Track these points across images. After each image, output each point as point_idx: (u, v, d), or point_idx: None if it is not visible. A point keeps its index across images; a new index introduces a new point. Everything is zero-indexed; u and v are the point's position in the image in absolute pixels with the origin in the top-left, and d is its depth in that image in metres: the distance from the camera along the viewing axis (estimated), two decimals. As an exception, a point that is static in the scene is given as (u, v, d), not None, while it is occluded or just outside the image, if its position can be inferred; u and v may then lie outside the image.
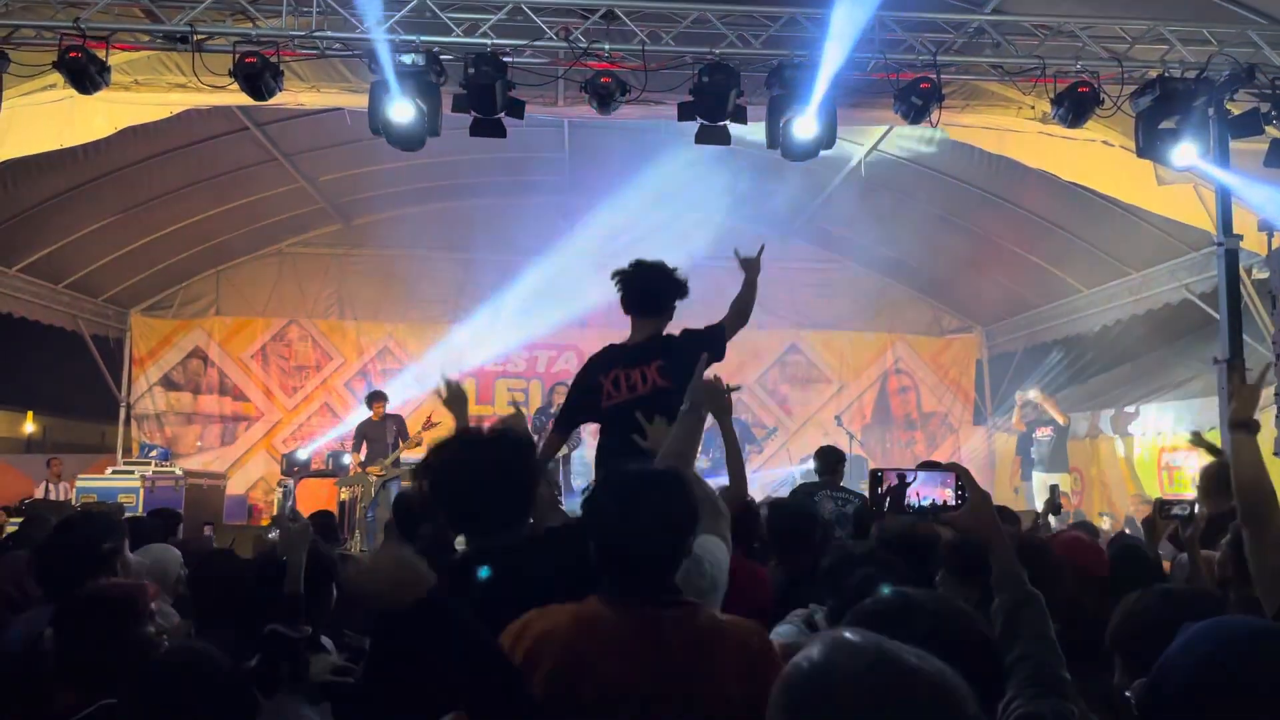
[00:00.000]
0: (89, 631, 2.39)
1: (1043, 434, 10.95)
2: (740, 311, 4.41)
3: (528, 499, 2.37)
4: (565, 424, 4.54)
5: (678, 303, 4.29)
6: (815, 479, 6.66)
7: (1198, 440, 4.52)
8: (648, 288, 4.25)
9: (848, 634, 1.12)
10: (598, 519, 2.03)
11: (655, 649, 1.91)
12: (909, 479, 2.20)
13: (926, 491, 2.17)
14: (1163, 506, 3.82)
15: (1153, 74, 7.29)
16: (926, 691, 1.05)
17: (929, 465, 4.39)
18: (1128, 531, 7.62)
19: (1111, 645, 2.20)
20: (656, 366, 4.06)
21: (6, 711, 2.52)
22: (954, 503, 2.12)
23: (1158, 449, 10.16)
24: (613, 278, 4.29)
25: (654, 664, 1.89)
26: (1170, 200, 8.43)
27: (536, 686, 1.86)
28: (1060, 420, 10.85)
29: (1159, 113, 7.25)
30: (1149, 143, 7.35)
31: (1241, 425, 2.79)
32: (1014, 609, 1.94)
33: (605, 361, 4.22)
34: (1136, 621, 2.14)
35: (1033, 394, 11.35)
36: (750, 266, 4.52)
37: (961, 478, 2.11)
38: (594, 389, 4.16)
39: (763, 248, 4.57)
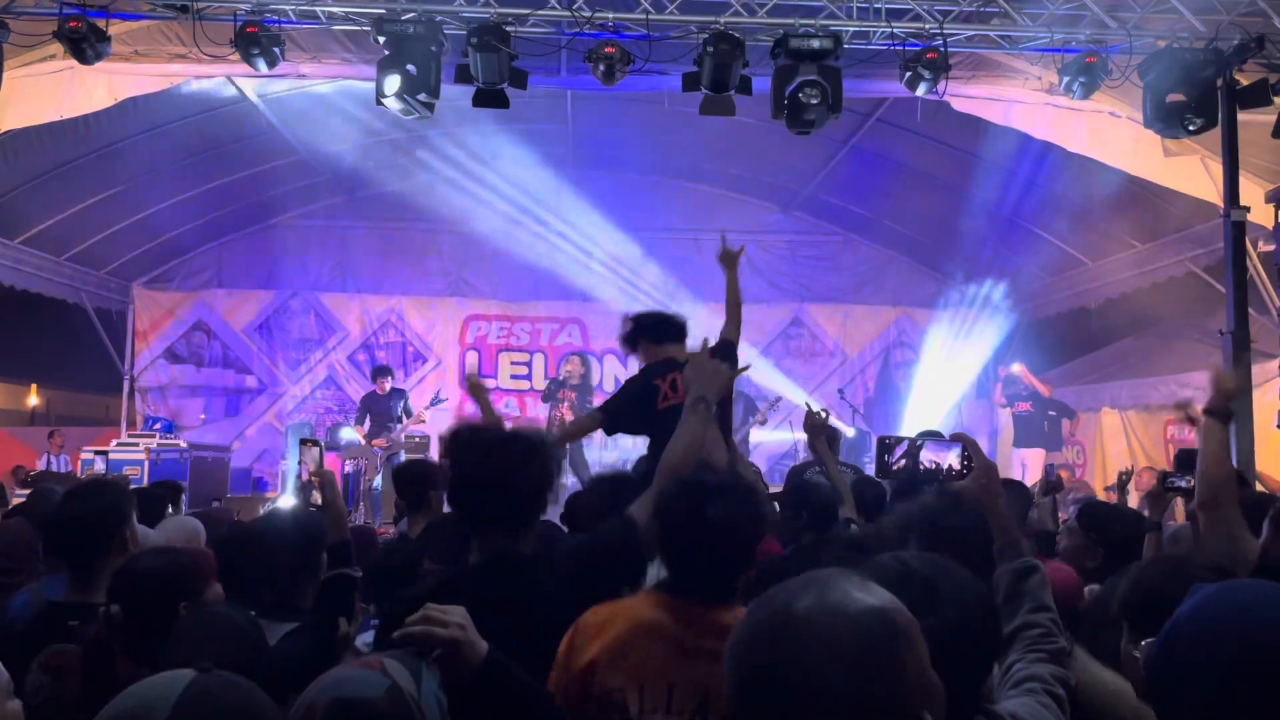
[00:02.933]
0: (149, 601, 2.39)
1: (1021, 409, 10.97)
2: (734, 316, 4.67)
3: (534, 506, 2.33)
4: (609, 416, 4.59)
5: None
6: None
7: (1181, 409, 4.52)
8: (671, 320, 4.58)
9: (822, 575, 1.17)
10: (669, 520, 2.18)
11: (668, 637, 2.04)
12: (919, 444, 2.24)
13: (934, 457, 2.22)
14: (1165, 479, 3.83)
15: (1161, 44, 7.23)
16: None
17: (930, 435, 4.41)
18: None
19: (1120, 612, 2.21)
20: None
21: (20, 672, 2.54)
22: (960, 470, 2.15)
23: (1162, 422, 10.17)
24: (628, 322, 4.58)
25: (681, 655, 2.02)
26: (1177, 172, 8.39)
27: (577, 673, 2.00)
28: (1043, 392, 10.86)
29: (1167, 83, 7.19)
30: (1156, 114, 7.29)
31: (1215, 413, 2.86)
32: (1015, 578, 1.97)
33: (662, 368, 4.37)
34: (1146, 590, 2.15)
35: (1015, 368, 11.36)
36: (729, 261, 4.77)
37: (968, 447, 2.14)
38: (650, 391, 4.29)
39: (742, 247, 4.92)
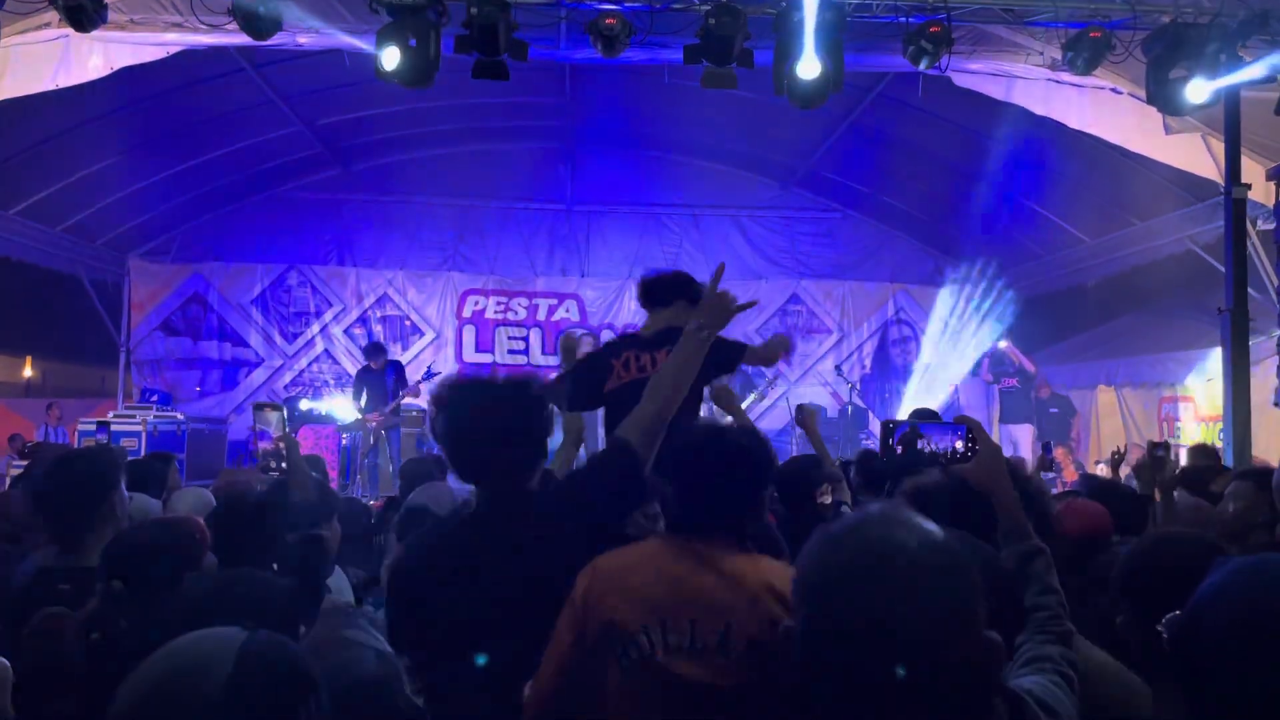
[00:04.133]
0: (149, 572, 2.41)
1: (1008, 384, 11.01)
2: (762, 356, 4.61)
3: (533, 454, 2.35)
4: (574, 393, 4.56)
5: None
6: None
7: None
8: (663, 282, 4.37)
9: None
10: (691, 460, 2.20)
11: (685, 573, 2.07)
12: (922, 429, 2.23)
13: (937, 440, 2.21)
14: (1154, 448, 3.87)
15: (1165, 19, 7.18)
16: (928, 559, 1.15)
17: (925, 414, 4.46)
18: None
19: (1118, 589, 2.21)
20: (668, 351, 4.07)
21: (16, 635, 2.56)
22: (963, 453, 2.15)
23: (1157, 400, 10.20)
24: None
25: (680, 585, 2.05)
26: (1178, 149, 8.35)
27: (595, 620, 2.05)
28: (1030, 369, 10.90)
29: (1170, 59, 7.15)
30: (1159, 90, 7.26)
31: None
32: (1022, 562, 1.98)
33: (621, 345, 4.31)
34: (1145, 565, 2.16)
35: (1001, 344, 11.39)
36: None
37: (973, 430, 2.14)
38: (603, 369, 4.21)
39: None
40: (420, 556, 2.34)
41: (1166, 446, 3.89)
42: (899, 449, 2.27)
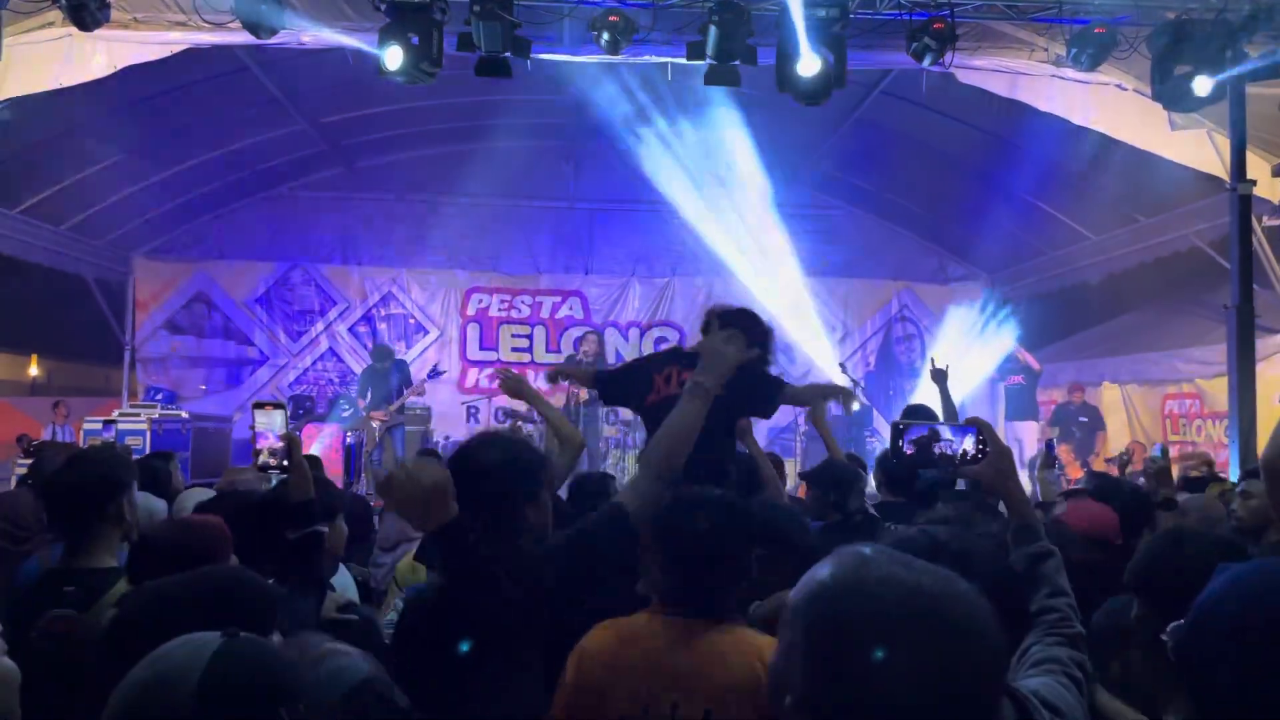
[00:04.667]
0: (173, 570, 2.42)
1: (1013, 382, 10.99)
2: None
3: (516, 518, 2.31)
4: (604, 386, 4.65)
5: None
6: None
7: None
8: (730, 314, 4.25)
9: (864, 549, 1.13)
10: (669, 536, 2.21)
11: (669, 654, 2.09)
12: (939, 431, 2.21)
13: (949, 442, 2.20)
14: (1153, 462, 3.90)
15: (1170, 15, 7.16)
16: (945, 605, 1.07)
17: (920, 411, 4.49)
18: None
19: (1131, 586, 2.22)
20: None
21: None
22: (974, 454, 2.13)
23: (1161, 397, 10.18)
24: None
25: (662, 667, 2.08)
26: (1183, 146, 8.33)
27: (583, 697, 2.10)
28: (1034, 366, 10.86)
29: (1175, 55, 7.14)
30: (1164, 86, 7.25)
31: None
32: (1032, 563, 1.97)
33: (665, 359, 4.35)
34: (1158, 562, 2.17)
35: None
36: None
37: (983, 431, 2.12)
38: (645, 383, 4.25)
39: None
40: (417, 616, 2.35)
41: (1165, 450, 3.89)
42: (910, 450, 2.25)
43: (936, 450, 2.19)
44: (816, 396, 4.62)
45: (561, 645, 2.22)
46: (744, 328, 4.29)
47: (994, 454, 2.06)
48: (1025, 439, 10.50)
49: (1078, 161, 9.78)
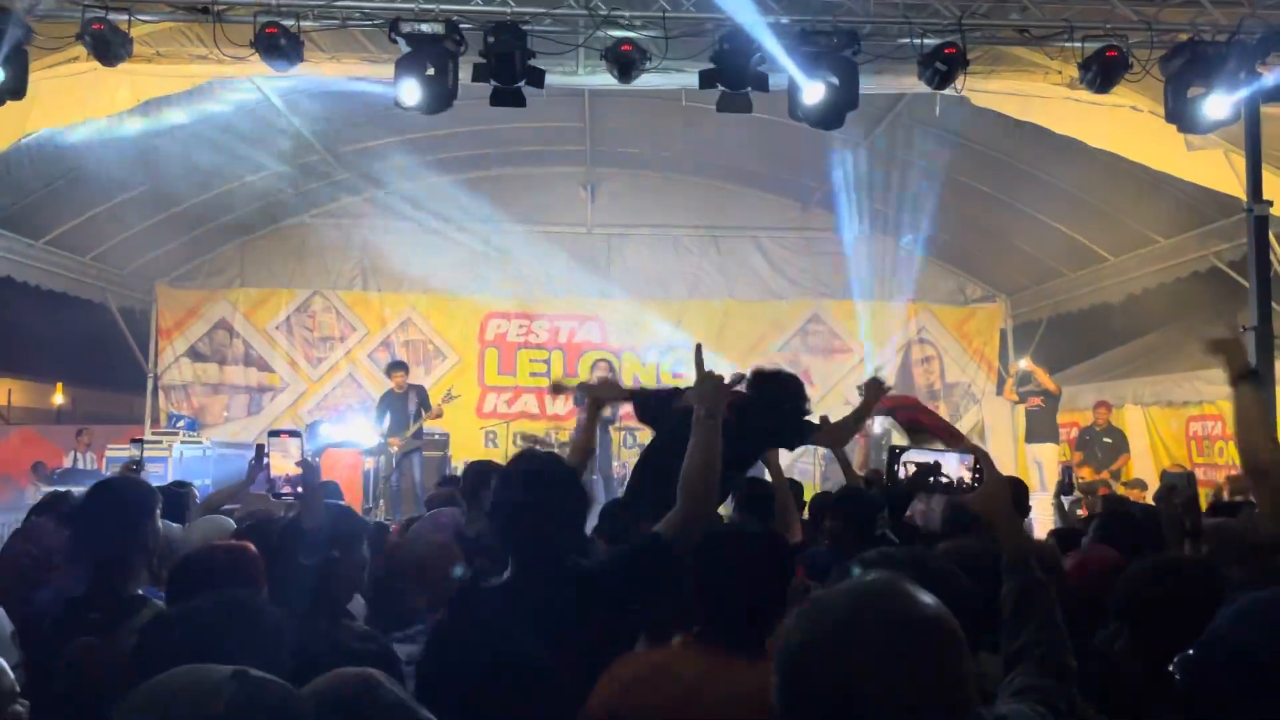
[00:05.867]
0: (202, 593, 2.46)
1: (1033, 404, 10.89)
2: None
3: (570, 534, 2.46)
4: (644, 405, 4.80)
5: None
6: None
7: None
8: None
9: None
10: (708, 567, 2.25)
11: (699, 686, 2.10)
12: (934, 460, 2.21)
13: (946, 469, 2.19)
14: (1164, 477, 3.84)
15: (1183, 37, 7.15)
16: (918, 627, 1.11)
17: (912, 422, 4.49)
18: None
19: (1117, 614, 2.22)
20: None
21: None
22: (970, 483, 2.13)
23: (1185, 418, 10.07)
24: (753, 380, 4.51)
25: (691, 701, 2.08)
26: (1200, 166, 8.29)
27: (598, 713, 2.11)
28: (1052, 389, 10.77)
29: (1189, 77, 7.11)
30: (1178, 108, 7.22)
31: (1243, 378, 2.81)
32: (1022, 595, 1.94)
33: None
34: (1145, 592, 2.17)
35: (1023, 363, 11.27)
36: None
37: (980, 460, 2.12)
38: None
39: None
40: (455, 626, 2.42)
41: (1190, 478, 3.82)
42: (902, 475, 2.24)
43: (931, 479, 2.18)
44: (849, 430, 4.70)
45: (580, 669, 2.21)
46: (779, 386, 4.48)
47: (989, 483, 2.07)
48: (1045, 462, 10.41)
49: (1094, 183, 9.76)
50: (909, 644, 1.09)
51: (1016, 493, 4.21)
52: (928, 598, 1.15)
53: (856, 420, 4.78)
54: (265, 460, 3.27)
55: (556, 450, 11.28)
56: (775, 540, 2.40)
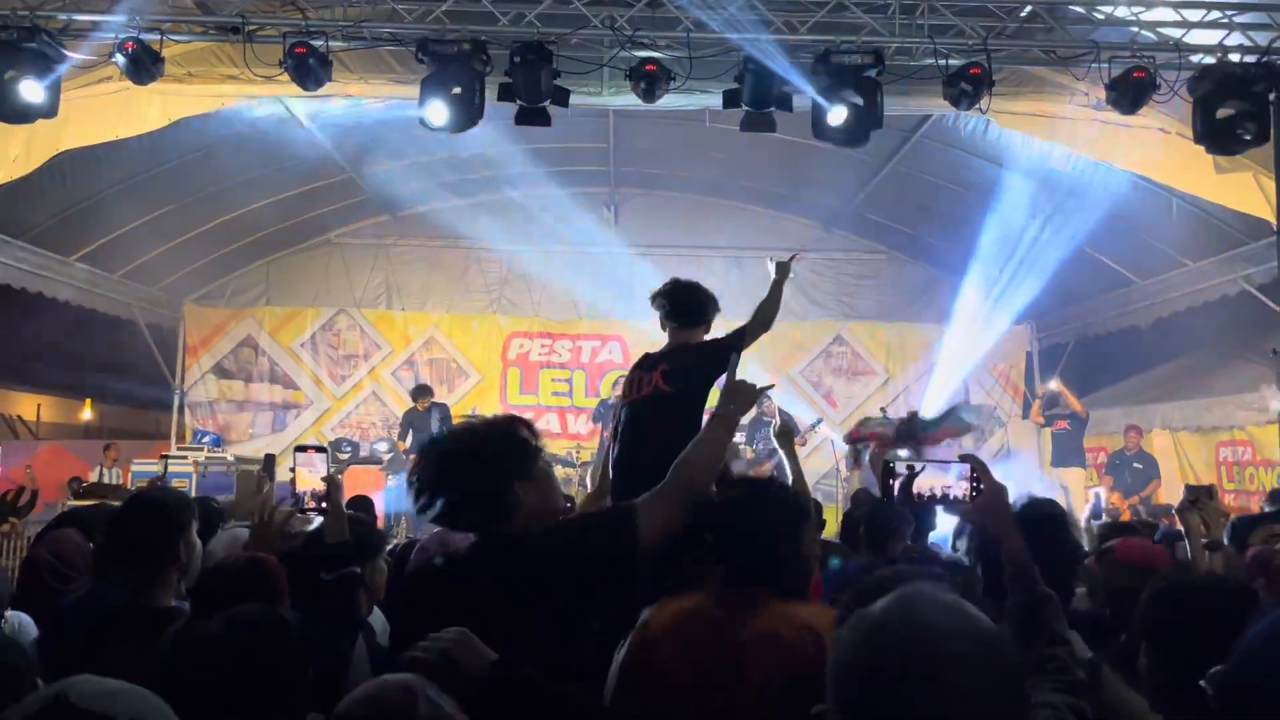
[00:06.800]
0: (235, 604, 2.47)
1: (1059, 427, 10.75)
2: (763, 319, 4.45)
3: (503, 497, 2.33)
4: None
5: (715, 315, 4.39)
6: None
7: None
8: (675, 301, 4.37)
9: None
10: (718, 522, 2.29)
11: (736, 631, 2.15)
12: (917, 469, 2.11)
13: (934, 482, 2.09)
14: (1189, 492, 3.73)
15: (1211, 59, 7.10)
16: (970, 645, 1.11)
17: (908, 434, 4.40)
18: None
19: (1140, 632, 2.16)
20: (661, 370, 4.12)
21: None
22: (966, 494, 2.04)
23: (1214, 444, 9.93)
24: (651, 300, 4.42)
25: (730, 644, 2.13)
26: (1229, 189, 8.19)
27: (645, 667, 2.18)
28: (1079, 411, 10.62)
29: (1217, 99, 7.03)
30: (1207, 130, 7.15)
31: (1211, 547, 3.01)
32: (1029, 610, 1.88)
33: (635, 366, 4.36)
34: (1171, 610, 2.12)
35: (1053, 384, 11.14)
36: (781, 270, 4.58)
37: (976, 469, 2.02)
38: (622, 393, 4.36)
39: (793, 256, 4.68)
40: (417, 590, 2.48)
41: (1211, 492, 3.74)
42: (896, 488, 2.15)
43: (930, 491, 2.09)
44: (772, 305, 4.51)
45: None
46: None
47: (988, 493, 1.98)
48: (1071, 486, 10.27)
49: (1122, 205, 9.68)
50: (969, 657, 1.10)
51: (1055, 514, 4.11)
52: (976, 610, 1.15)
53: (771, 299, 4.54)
54: (291, 474, 3.27)
55: (577, 469, 11.28)
56: (780, 486, 2.51)
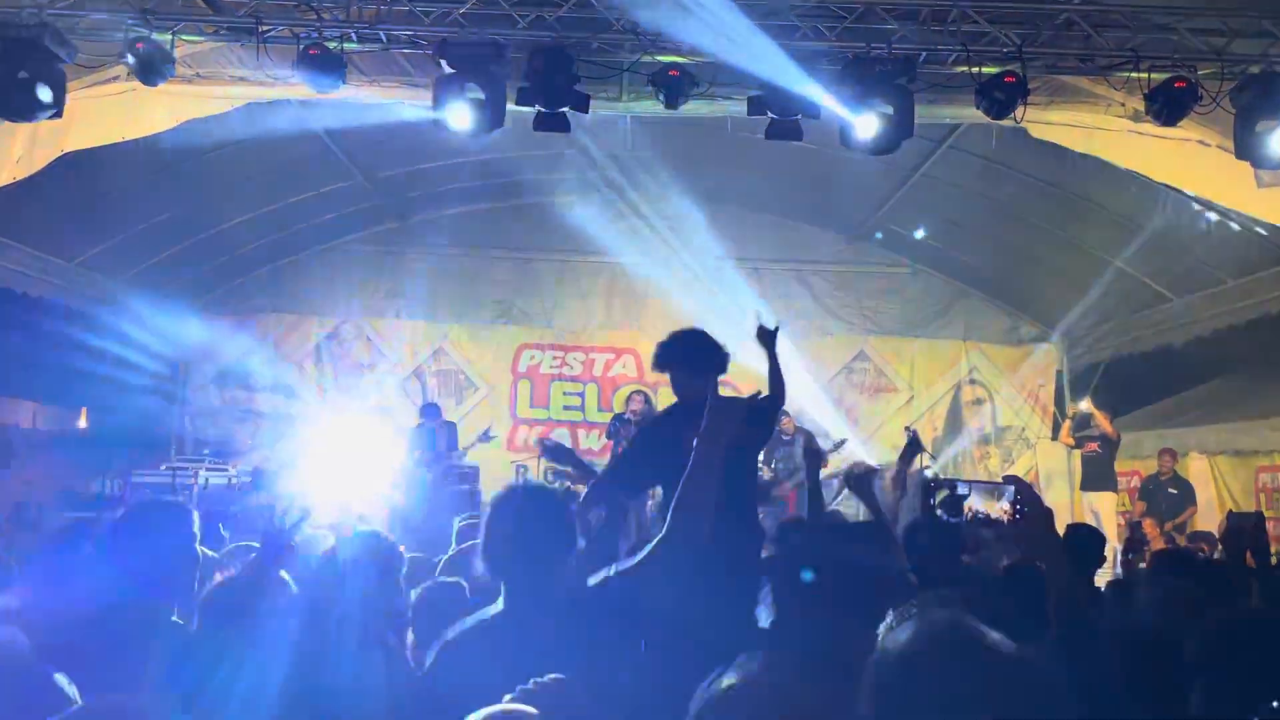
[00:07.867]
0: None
1: (1090, 450, 10.47)
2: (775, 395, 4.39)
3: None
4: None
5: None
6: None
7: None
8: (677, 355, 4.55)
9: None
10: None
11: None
12: (962, 490, 2.13)
13: (978, 505, 2.08)
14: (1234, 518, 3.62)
15: (1254, 69, 6.85)
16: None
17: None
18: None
19: (1194, 668, 2.04)
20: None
21: None
22: (1010, 517, 2.01)
23: (1254, 468, 9.62)
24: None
25: None
26: (1271, 204, 7.95)
27: None
28: (1110, 433, 10.33)
29: (1260, 110, 6.83)
30: (1248, 143, 6.93)
31: None
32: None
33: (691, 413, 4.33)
34: (1221, 643, 2.02)
35: (1084, 404, 10.88)
36: (767, 341, 4.49)
37: (1021, 492, 1.97)
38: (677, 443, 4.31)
39: (777, 328, 4.53)
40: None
41: (1259, 518, 3.58)
42: (940, 511, 2.12)
43: (968, 515, 2.08)
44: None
45: None
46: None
47: (1032, 516, 1.89)
48: (1102, 511, 9.97)
49: (1158, 219, 9.41)
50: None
51: (1092, 543, 3.94)
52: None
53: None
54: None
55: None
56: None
